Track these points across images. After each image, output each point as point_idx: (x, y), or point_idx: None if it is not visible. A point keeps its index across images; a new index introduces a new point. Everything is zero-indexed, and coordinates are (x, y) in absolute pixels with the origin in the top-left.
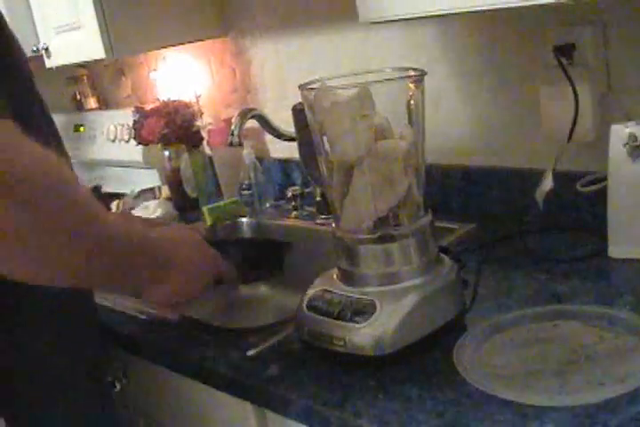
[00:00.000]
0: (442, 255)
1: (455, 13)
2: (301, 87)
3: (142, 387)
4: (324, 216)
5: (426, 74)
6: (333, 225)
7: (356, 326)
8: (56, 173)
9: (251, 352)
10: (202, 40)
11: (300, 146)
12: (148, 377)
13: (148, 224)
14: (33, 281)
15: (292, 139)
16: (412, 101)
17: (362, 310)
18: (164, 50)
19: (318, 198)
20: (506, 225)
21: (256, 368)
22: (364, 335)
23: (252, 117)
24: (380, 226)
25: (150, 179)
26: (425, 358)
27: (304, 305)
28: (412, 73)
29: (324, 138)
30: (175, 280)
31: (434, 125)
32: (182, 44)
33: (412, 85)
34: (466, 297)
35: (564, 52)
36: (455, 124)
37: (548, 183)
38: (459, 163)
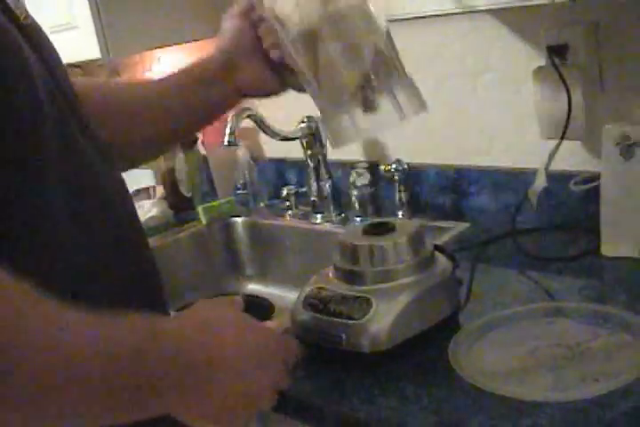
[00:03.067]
0: (436, 254)
1: (451, 13)
2: None
3: None
4: (319, 215)
5: None
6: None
7: (352, 323)
8: None
9: None
10: (198, 40)
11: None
12: None
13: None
14: None
15: (286, 138)
16: None
17: (358, 308)
18: (159, 50)
19: (313, 198)
20: (499, 224)
21: None
22: (359, 332)
23: (248, 117)
24: (364, 101)
25: (145, 179)
26: (420, 355)
27: (300, 302)
28: None
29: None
30: (223, 391)
31: (428, 125)
32: (178, 43)
33: None
34: (460, 295)
35: (558, 52)
36: (449, 124)
37: (541, 182)
38: (452, 162)
